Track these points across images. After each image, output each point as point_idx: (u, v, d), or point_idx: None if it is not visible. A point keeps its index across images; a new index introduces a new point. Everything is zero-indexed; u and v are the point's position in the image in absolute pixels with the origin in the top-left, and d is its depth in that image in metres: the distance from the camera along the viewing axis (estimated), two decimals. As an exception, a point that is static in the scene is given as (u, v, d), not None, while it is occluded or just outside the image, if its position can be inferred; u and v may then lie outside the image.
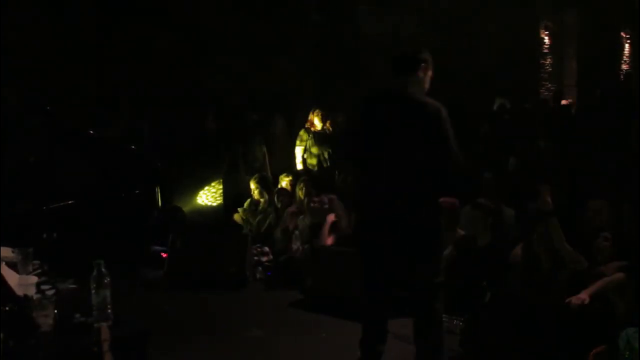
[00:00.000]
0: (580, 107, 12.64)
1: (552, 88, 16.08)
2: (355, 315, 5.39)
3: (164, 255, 7.06)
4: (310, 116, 9.00)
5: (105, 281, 2.85)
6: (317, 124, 8.95)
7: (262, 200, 8.08)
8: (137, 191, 7.20)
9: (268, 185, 8.22)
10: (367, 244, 3.85)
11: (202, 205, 9.42)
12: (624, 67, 18.53)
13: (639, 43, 11.47)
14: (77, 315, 2.90)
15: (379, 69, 12.05)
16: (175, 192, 8.85)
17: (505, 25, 13.29)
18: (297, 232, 7.18)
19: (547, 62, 16.72)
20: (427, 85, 3.82)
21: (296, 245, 7.07)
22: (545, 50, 16.75)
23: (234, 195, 8.80)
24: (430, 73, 3.83)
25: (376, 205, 3.75)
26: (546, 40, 16.74)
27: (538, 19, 16.22)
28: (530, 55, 15.59)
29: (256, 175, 8.32)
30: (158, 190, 7.45)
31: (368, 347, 3.91)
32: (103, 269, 2.85)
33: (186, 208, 8.95)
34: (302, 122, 9.29)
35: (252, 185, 8.20)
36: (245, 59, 11.10)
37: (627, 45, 18.93)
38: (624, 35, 18.82)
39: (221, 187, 9.23)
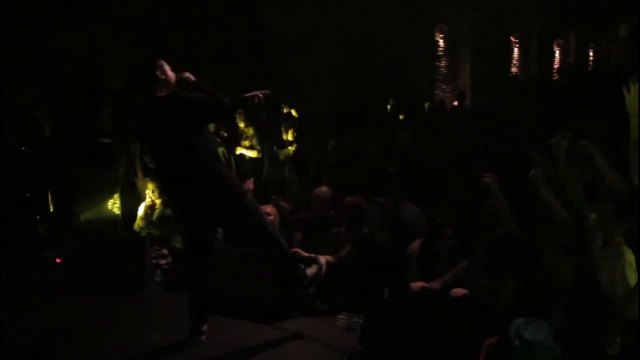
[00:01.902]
0: (475, 107, 13.10)
1: (447, 89, 16.61)
2: (257, 317, 5.41)
3: (58, 260, 6.80)
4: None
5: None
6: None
7: (158, 201, 7.90)
8: (27, 195, 6.89)
9: None
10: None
11: (108, 214, 9.08)
12: (514, 70, 19.40)
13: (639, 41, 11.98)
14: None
15: (289, 68, 12.12)
16: (75, 196, 8.51)
17: (402, 27, 13.59)
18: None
19: (442, 65, 17.25)
20: (172, 80, 4.65)
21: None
22: (440, 53, 17.27)
23: (132, 201, 8.55)
24: (168, 74, 4.64)
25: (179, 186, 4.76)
26: (441, 43, 17.26)
27: (434, 23, 16.68)
28: (426, 57, 16.02)
29: (151, 177, 8.13)
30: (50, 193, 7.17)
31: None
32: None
33: (89, 214, 8.62)
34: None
35: (151, 187, 8.00)
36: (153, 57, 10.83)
37: (516, 50, 19.83)
38: (514, 40, 19.70)
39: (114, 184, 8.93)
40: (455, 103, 13.16)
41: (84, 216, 8.44)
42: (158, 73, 4.62)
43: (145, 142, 5.07)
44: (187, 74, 4.74)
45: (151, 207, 7.96)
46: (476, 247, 4.95)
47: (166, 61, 4.69)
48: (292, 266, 5.01)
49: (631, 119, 3.52)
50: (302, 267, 5.05)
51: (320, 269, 5.10)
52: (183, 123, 4.56)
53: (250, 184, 7.51)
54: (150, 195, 7.96)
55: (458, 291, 4.76)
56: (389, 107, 12.22)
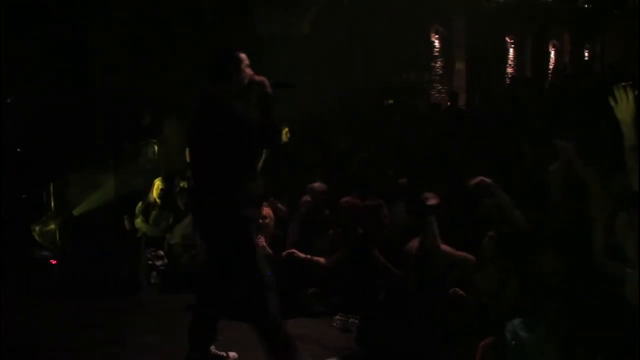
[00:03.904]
0: (469, 108, 13.14)
1: (442, 90, 16.63)
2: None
3: (53, 262, 6.79)
4: None
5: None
6: None
7: (158, 200, 7.87)
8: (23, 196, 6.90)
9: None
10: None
11: (92, 207, 9.05)
12: (509, 70, 19.44)
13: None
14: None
15: (275, 70, 12.10)
16: (66, 195, 8.50)
17: (397, 28, 13.61)
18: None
19: (438, 65, 17.27)
20: (245, 81, 4.09)
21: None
22: (436, 54, 17.28)
23: (124, 196, 8.51)
24: (244, 70, 4.10)
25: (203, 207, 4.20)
26: (436, 43, 17.28)
27: (429, 23, 16.70)
28: (421, 58, 16.05)
29: (160, 178, 8.08)
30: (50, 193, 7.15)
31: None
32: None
33: (76, 210, 8.61)
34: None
35: (157, 184, 7.93)
36: (140, 59, 10.82)
37: (511, 50, 19.86)
38: (509, 40, 19.73)
39: (110, 187, 8.89)
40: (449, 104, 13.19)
41: (76, 210, 8.41)
42: (234, 68, 4.09)
43: (191, 145, 4.30)
44: (263, 79, 4.11)
45: (152, 205, 7.93)
46: (484, 243, 4.93)
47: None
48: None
49: (623, 127, 3.49)
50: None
51: None
52: (231, 145, 3.98)
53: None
54: (153, 192, 7.92)
55: (455, 292, 4.76)
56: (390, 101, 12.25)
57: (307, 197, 6.60)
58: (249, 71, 4.11)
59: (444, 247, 5.00)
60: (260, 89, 4.06)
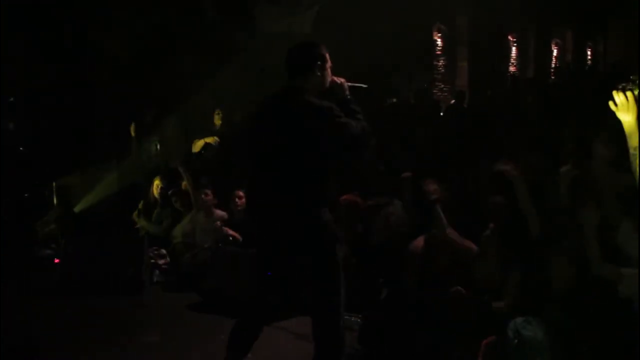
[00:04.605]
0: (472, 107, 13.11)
1: (444, 89, 16.61)
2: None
3: (56, 260, 6.80)
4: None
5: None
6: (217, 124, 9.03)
7: (159, 198, 7.87)
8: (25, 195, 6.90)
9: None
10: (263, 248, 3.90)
11: (93, 202, 9.04)
12: (512, 69, 19.42)
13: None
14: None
15: (278, 69, 12.10)
16: (68, 194, 8.51)
17: (399, 26, 13.59)
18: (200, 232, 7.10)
19: (440, 64, 17.25)
20: (326, 82, 3.72)
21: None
22: (438, 52, 17.26)
23: (125, 194, 8.52)
24: (328, 70, 3.73)
25: (267, 212, 3.71)
26: (439, 42, 17.26)
27: (431, 22, 16.67)
28: (423, 56, 16.02)
29: (159, 176, 8.08)
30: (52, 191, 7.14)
31: (240, 341, 3.92)
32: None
33: (77, 207, 8.62)
34: (199, 122, 9.23)
35: (156, 182, 7.94)
36: (143, 58, 10.83)
37: (514, 48, 19.84)
38: (512, 39, 19.71)
39: (109, 183, 8.89)
40: (452, 102, 13.16)
41: (77, 207, 8.43)
42: (318, 67, 3.67)
43: (252, 148, 3.83)
44: (344, 81, 3.76)
45: (153, 204, 7.93)
46: (485, 235, 4.93)
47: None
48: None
49: (626, 129, 3.49)
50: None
51: None
52: (313, 150, 3.53)
53: None
54: (153, 191, 7.92)
55: (457, 290, 4.75)
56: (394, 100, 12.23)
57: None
58: (330, 73, 3.75)
59: (451, 232, 5.01)
60: (341, 92, 3.73)
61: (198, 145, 8.76)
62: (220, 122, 8.96)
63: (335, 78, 3.74)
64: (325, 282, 3.71)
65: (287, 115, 3.58)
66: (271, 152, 3.62)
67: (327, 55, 3.72)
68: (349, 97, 3.72)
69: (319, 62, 3.66)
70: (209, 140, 8.69)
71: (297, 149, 3.53)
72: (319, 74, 3.65)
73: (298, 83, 3.65)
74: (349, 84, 3.77)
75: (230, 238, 6.61)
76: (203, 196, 7.16)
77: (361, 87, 3.88)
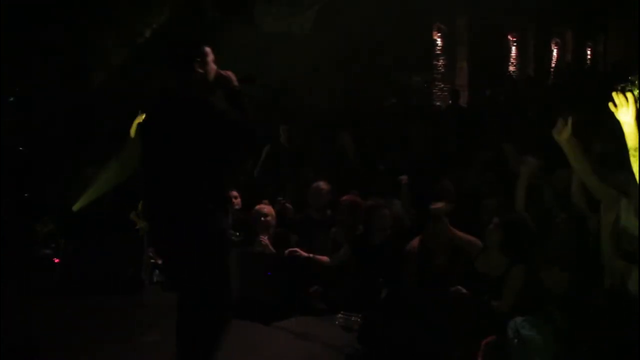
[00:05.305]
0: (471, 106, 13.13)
1: (444, 88, 16.62)
2: (255, 316, 5.41)
3: (56, 260, 6.79)
4: None
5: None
6: None
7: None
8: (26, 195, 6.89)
9: None
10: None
11: (91, 200, 8.99)
12: (512, 68, 19.42)
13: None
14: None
15: (277, 68, 12.12)
16: (67, 193, 8.49)
17: (399, 26, 13.60)
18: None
19: (440, 64, 17.24)
20: (210, 76, 3.68)
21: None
22: (438, 52, 17.26)
23: (125, 192, 8.49)
24: (210, 64, 3.68)
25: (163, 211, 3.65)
26: (439, 42, 17.26)
27: (431, 22, 16.67)
28: (423, 56, 16.03)
29: None
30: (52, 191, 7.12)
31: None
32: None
33: (75, 206, 8.58)
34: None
35: None
36: (140, 58, 10.82)
37: (514, 48, 19.84)
38: (512, 39, 19.71)
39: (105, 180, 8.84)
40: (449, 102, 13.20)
41: (76, 206, 8.38)
42: (198, 63, 3.63)
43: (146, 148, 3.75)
44: (230, 74, 3.70)
45: None
46: (490, 228, 4.94)
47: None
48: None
49: (625, 129, 3.50)
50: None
51: None
52: (200, 146, 3.51)
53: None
54: None
55: (457, 290, 4.77)
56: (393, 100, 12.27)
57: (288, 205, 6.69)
58: (214, 66, 3.70)
59: (452, 230, 5.02)
60: (228, 86, 3.67)
61: None
62: None
63: (222, 72, 3.70)
64: (203, 281, 3.68)
65: (171, 112, 3.57)
66: (160, 150, 3.60)
67: (208, 49, 3.68)
68: (237, 90, 3.66)
69: (198, 58, 3.63)
70: None
71: (181, 146, 3.51)
72: (200, 70, 3.63)
73: (181, 79, 3.64)
74: (238, 78, 3.71)
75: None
76: None
77: (250, 81, 3.82)
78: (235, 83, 3.67)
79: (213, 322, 3.76)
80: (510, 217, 4.85)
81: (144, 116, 3.91)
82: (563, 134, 4.04)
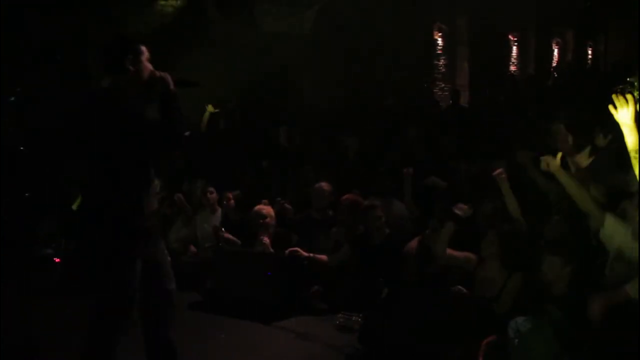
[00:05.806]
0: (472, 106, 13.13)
1: (445, 88, 16.60)
2: (255, 316, 5.42)
3: (57, 260, 6.79)
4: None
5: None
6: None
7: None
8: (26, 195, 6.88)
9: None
10: None
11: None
12: (512, 68, 19.41)
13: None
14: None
15: (278, 68, 12.12)
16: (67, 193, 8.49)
17: (400, 26, 13.59)
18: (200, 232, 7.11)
19: (441, 63, 17.24)
20: (143, 76, 3.55)
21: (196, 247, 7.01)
22: (439, 52, 17.26)
23: None
24: (144, 63, 3.56)
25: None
26: (439, 42, 17.25)
27: (431, 22, 16.66)
28: (424, 56, 16.02)
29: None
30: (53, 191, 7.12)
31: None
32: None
33: (75, 205, 8.57)
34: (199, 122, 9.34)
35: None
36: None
37: (514, 48, 19.83)
38: (512, 38, 19.70)
39: None
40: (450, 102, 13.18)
41: (75, 205, 8.36)
42: (129, 61, 3.51)
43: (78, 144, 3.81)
44: (166, 75, 3.58)
45: None
46: (487, 240, 4.92)
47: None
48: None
49: (625, 131, 3.51)
50: None
51: None
52: (124, 146, 3.47)
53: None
54: None
55: (457, 290, 4.76)
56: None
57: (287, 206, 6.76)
58: (149, 66, 3.57)
59: (448, 251, 5.00)
60: (162, 86, 3.53)
61: (205, 119, 9.32)
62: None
63: (156, 72, 3.57)
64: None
65: (98, 115, 3.51)
66: (92, 150, 3.62)
67: (143, 48, 3.57)
68: (172, 91, 3.55)
69: (130, 56, 3.50)
70: (210, 109, 9.32)
71: (107, 149, 3.50)
72: (132, 68, 3.50)
73: (112, 80, 3.54)
74: (176, 79, 3.61)
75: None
76: (208, 194, 7.27)
77: (190, 83, 3.75)
78: (171, 86, 3.55)
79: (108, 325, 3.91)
80: (505, 227, 4.81)
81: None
82: (552, 167, 4.23)
